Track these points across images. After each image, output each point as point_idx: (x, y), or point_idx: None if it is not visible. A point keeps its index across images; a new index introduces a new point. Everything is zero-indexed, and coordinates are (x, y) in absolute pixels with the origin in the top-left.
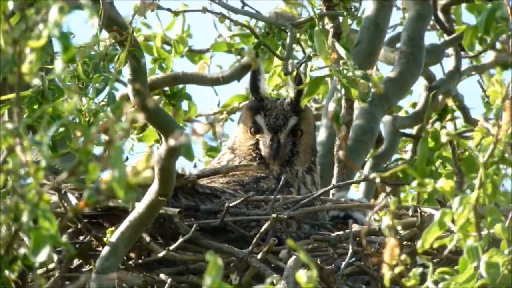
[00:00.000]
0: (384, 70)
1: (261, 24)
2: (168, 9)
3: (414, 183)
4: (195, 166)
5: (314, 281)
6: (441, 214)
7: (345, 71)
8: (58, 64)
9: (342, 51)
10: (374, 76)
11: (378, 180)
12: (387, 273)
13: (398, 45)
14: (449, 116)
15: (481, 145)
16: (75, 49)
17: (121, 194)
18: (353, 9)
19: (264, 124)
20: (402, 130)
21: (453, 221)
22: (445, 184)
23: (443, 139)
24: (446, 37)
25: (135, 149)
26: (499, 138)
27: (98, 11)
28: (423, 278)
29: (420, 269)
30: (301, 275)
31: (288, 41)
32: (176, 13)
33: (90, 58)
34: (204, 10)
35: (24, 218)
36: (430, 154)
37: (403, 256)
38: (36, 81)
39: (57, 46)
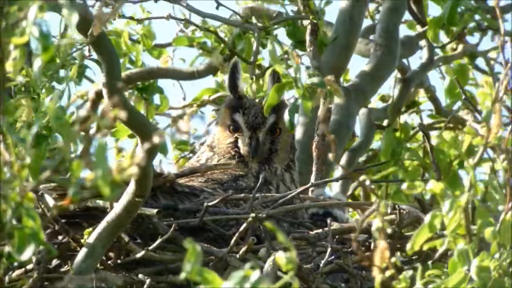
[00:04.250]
0: (360, 63)
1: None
2: (131, 18)
3: (404, 185)
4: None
5: (294, 262)
6: (432, 217)
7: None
8: (37, 64)
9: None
10: (332, 84)
11: (367, 182)
12: (377, 276)
13: (371, 37)
14: (414, 108)
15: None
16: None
17: (106, 192)
18: (319, 13)
19: (243, 122)
20: (377, 123)
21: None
22: (435, 186)
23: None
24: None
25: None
26: (489, 140)
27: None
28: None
29: (410, 272)
30: (281, 257)
31: (255, 45)
32: (139, 21)
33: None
34: (169, 17)
35: (8, 216)
36: (397, 146)
37: (393, 259)
38: (20, 79)
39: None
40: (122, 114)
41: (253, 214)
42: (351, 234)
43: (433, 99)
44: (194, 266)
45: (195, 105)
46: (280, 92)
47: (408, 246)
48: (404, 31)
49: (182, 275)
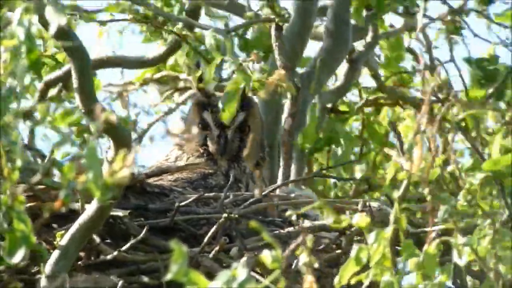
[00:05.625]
0: (313, 47)
1: None
2: (99, 21)
3: (330, 220)
4: None
5: (280, 260)
6: (357, 250)
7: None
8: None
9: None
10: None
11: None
12: None
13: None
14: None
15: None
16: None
17: (97, 194)
18: (285, 15)
19: (212, 120)
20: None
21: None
22: (361, 220)
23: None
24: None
25: None
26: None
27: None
28: None
29: None
30: (266, 255)
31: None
32: (102, 23)
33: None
34: (133, 20)
35: None
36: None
37: None
38: (10, 81)
39: None
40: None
41: (225, 214)
42: (322, 232)
43: (375, 76)
44: (181, 267)
45: (138, 83)
46: (234, 96)
47: (336, 281)
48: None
49: (168, 276)
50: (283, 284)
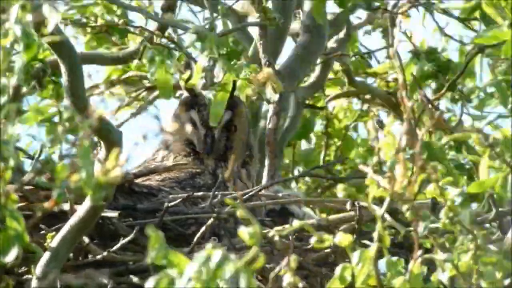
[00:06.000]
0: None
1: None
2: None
3: (313, 239)
4: None
5: (257, 236)
6: (342, 269)
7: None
8: (18, 62)
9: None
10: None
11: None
12: None
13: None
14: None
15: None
16: None
17: (90, 194)
18: (277, 19)
19: (198, 119)
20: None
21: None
22: (343, 239)
23: None
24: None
25: None
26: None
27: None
28: None
29: None
30: (244, 232)
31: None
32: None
33: None
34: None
35: None
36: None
37: None
38: (4, 81)
39: None
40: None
41: (214, 215)
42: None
43: (346, 71)
44: (159, 252)
45: (104, 86)
46: (223, 101)
47: None
48: (332, 8)
49: (148, 260)
50: (261, 262)
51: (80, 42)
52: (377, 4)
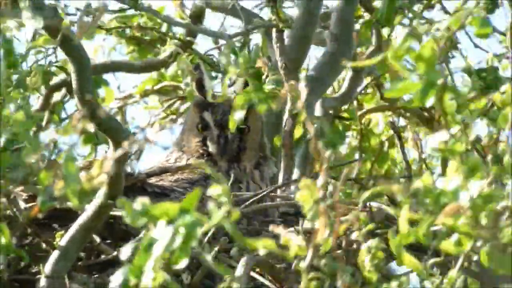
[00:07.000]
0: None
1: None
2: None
3: None
4: None
5: (227, 194)
6: None
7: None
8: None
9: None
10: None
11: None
12: None
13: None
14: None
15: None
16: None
17: (74, 201)
18: (289, 21)
19: (211, 120)
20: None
21: None
22: None
23: None
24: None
25: None
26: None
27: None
28: None
29: None
30: (214, 189)
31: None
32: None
33: None
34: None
35: None
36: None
37: None
38: None
39: None
40: (90, 126)
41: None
42: None
43: (377, 85)
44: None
45: (138, 96)
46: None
47: None
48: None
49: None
50: (237, 215)
51: (123, 52)
52: None
